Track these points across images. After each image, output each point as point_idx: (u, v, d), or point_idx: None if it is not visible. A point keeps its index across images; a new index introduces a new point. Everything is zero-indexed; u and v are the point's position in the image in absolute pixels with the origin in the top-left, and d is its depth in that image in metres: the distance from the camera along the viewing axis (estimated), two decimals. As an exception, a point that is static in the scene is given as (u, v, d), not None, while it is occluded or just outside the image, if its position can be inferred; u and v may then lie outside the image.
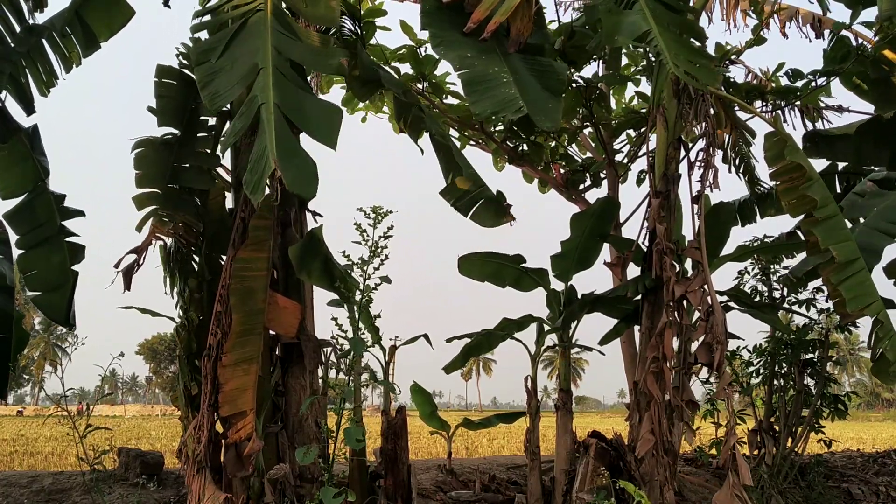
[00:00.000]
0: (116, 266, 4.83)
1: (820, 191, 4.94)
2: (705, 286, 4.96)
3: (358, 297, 4.23)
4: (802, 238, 5.68)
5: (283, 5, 4.63)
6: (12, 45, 5.18)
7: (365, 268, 4.21)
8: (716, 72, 4.24)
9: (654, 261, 5.20)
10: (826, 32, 7.03)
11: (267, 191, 3.49)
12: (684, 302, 5.09)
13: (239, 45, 4.12)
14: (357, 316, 4.19)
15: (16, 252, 5.27)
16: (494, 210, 5.13)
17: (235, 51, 4.10)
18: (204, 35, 4.69)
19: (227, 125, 5.39)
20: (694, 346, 5.14)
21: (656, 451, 4.82)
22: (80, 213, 5.56)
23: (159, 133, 5.28)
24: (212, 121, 5.44)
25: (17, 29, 5.24)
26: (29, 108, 5.33)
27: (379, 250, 4.25)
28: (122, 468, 5.75)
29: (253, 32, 4.16)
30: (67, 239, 5.43)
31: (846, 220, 5.36)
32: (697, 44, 4.55)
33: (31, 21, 5.28)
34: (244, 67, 3.95)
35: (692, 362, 4.99)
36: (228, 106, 5.41)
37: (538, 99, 4.40)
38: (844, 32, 6.79)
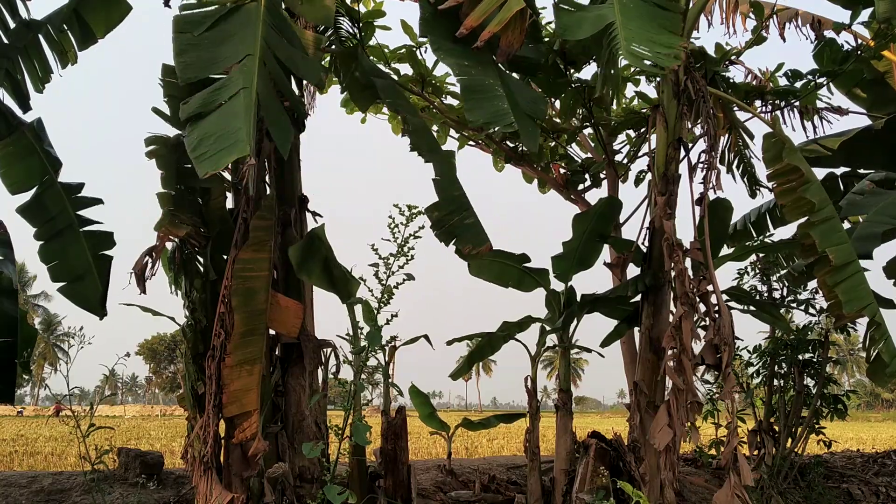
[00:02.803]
0: (134, 269, 4.83)
1: (817, 193, 4.96)
2: (710, 286, 4.95)
3: (378, 294, 4.26)
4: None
5: (283, 5, 4.63)
6: (6, 41, 5.18)
7: (390, 264, 4.24)
8: (677, 52, 4.01)
9: (662, 258, 5.16)
10: (826, 34, 7.04)
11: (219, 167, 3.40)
12: (694, 296, 5.04)
13: (226, 27, 4.12)
14: (378, 311, 4.21)
15: (35, 245, 5.33)
16: (470, 243, 4.72)
17: (222, 31, 4.09)
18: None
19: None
20: (695, 345, 5.14)
21: (670, 445, 4.75)
22: (98, 202, 5.56)
23: (167, 132, 5.30)
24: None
25: (12, 25, 5.25)
26: (24, 105, 5.34)
27: (406, 248, 4.28)
28: (122, 468, 5.75)
29: (243, 19, 4.15)
30: (91, 227, 5.44)
31: (844, 221, 5.38)
32: (664, 28, 4.36)
33: (23, 13, 5.29)
34: (229, 49, 3.95)
35: (699, 363, 4.97)
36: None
37: (523, 120, 4.47)
38: (840, 33, 6.80)
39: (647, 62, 4.02)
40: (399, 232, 4.32)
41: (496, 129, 4.31)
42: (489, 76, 4.49)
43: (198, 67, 3.89)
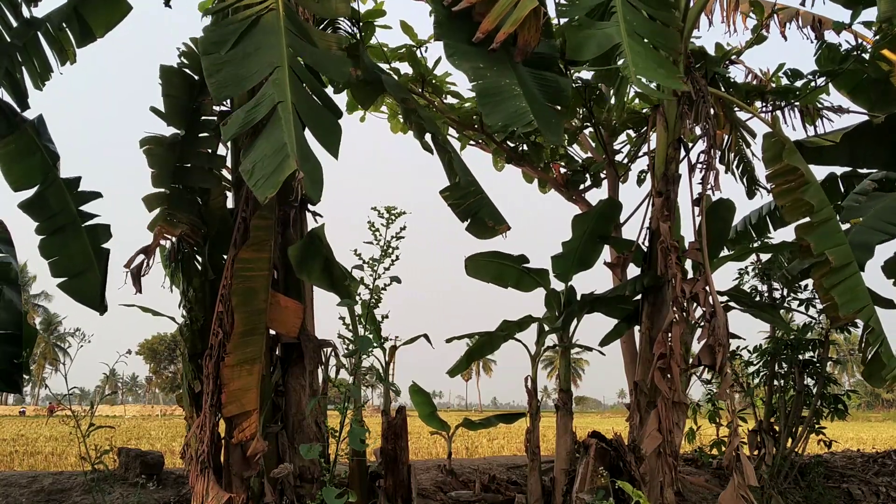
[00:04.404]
0: (127, 266, 4.82)
1: (816, 194, 4.95)
2: (706, 287, 4.95)
3: (366, 296, 4.26)
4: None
5: (298, 7, 4.65)
6: (8, 39, 5.18)
7: (375, 267, 4.23)
8: (678, 80, 4.30)
9: (658, 259, 5.18)
10: (826, 34, 7.03)
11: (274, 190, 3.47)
12: (685, 301, 5.07)
13: (250, 41, 4.15)
14: (365, 315, 4.21)
15: (35, 240, 5.31)
16: (491, 219, 5.01)
17: (247, 46, 4.11)
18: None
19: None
20: (694, 346, 5.14)
21: (662, 451, 4.78)
22: (98, 196, 5.56)
23: (162, 132, 5.29)
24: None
25: (14, 24, 5.25)
26: (22, 103, 5.33)
27: (390, 250, 4.28)
28: (122, 468, 5.75)
29: (266, 30, 4.18)
30: (89, 222, 5.44)
31: (843, 223, 5.39)
32: (664, 54, 4.57)
33: (28, 16, 5.29)
34: (257, 63, 3.98)
35: (696, 364, 4.98)
36: (228, 104, 5.44)
37: (544, 113, 4.48)
38: (841, 33, 6.80)
39: (655, 85, 4.15)
40: (381, 234, 4.31)
41: (516, 130, 4.33)
42: (505, 77, 4.53)
43: (231, 86, 3.94)
